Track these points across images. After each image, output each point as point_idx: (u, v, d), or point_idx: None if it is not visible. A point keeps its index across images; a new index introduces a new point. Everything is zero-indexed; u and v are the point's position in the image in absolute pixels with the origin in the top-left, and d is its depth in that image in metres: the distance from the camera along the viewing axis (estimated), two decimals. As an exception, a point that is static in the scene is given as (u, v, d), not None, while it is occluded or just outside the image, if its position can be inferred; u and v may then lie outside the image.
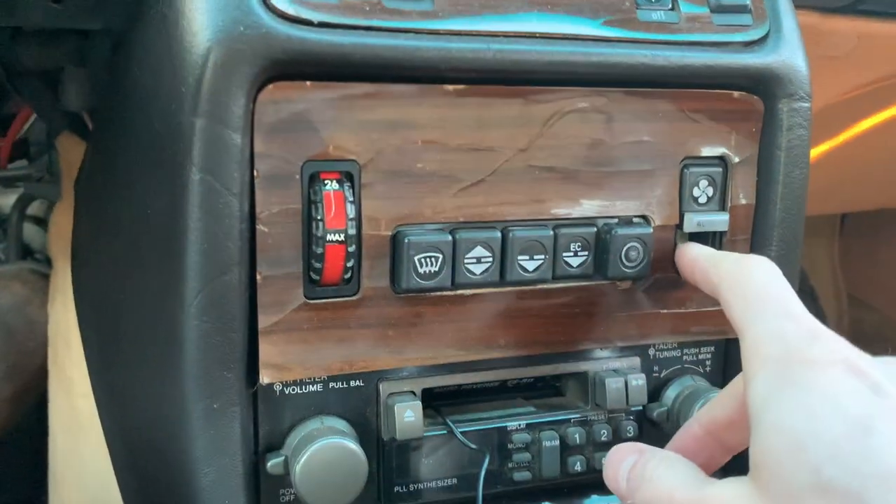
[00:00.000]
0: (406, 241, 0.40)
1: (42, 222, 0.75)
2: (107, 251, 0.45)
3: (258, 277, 0.38)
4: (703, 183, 0.46)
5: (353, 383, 0.42)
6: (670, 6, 0.44)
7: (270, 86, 0.37)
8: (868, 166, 0.93)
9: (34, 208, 0.74)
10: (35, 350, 0.73)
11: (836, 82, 0.66)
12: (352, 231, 0.39)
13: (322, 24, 0.37)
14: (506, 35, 0.40)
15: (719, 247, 0.47)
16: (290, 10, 0.36)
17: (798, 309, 0.35)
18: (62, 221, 0.57)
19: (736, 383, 0.38)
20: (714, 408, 0.39)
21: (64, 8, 0.42)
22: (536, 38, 0.41)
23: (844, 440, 0.28)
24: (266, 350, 0.39)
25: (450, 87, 0.40)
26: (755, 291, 0.36)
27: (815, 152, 0.78)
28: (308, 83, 0.37)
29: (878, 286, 1.34)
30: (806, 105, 0.47)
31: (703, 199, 0.46)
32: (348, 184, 0.39)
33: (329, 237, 0.39)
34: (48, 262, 0.73)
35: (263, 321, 0.39)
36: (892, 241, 1.24)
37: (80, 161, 0.51)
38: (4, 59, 0.51)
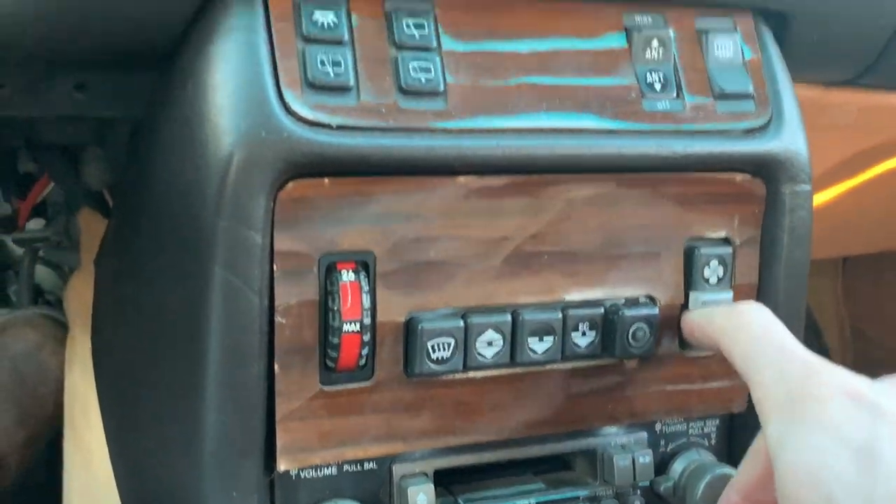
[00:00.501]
0: (419, 327, 0.41)
1: (53, 265, 0.77)
2: (127, 333, 0.47)
3: (276, 368, 0.39)
4: (714, 263, 0.47)
5: (366, 466, 0.43)
6: (675, 95, 0.46)
7: (290, 184, 0.38)
8: (868, 213, 0.94)
9: (45, 250, 0.75)
10: (47, 396, 0.73)
11: (838, 149, 0.67)
12: (367, 320, 0.40)
13: (340, 127, 0.38)
14: (516, 131, 0.41)
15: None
16: (310, 115, 0.37)
17: (794, 346, 0.37)
18: (81, 288, 0.58)
19: (758, 442, 0.40)
20: (745, 471, 0.40)
21: (86, 98, 0.43)
22: (545, 132, 0.42)
23: (851, 468, 0.30)
24: (284, 438, 0.40)
25: (462, 179, 0.42)
26: (752, 338, 0.39)
27: (817, 200, 0.79)
28: (326, 180, 0.39)
29: (883, 319, 1.34)
30: (807, 188, 0.48)
31: (713, 280, 0.47)
32: (364, 273, 0.41)
33: (345, 327, 0.40)
34: (60, 304, 0.74)
35: (281, 409, 0.40)
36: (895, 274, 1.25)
37: (99, 236, 0.53)
38: (27, 132, 0.53)
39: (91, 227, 0.56)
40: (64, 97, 0.43)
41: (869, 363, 1.32)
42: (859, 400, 0.32)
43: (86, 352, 0.56)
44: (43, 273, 0.78)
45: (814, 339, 1.42)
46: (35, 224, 0.70)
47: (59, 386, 0.70)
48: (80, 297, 0.58)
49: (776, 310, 0.49)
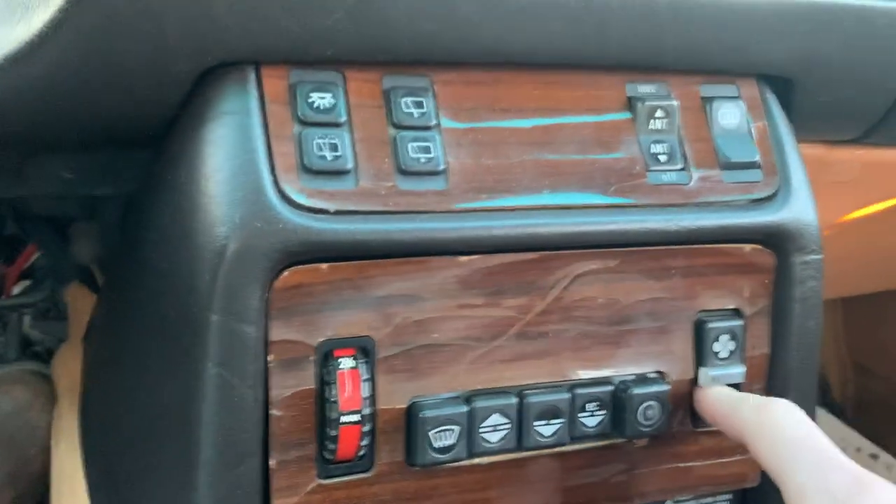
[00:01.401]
0: (421, 415, 0.40)
1: (43, 312, 0.75)
2: (117, 421, 0.45)
3: (272, 464, 0.38)
4: (725, 338, 0.46)
5: (368, 560, 0.41)
6: (681, 167, 0.44)
7: (286, 272, 0.37)
8: (868, 255, 0.94)
9: (32, 322, 0.73)
10: (35, 456, 0.71)
11: (841, 204, 0.67)
12: (367, 410, 0.39)
13: (339, 213, 0.37)
14: (518, 210, 0.40)
15: (736, 398, 0.47)
16: (308, 201, 0.36)
17: (836, 454, 0.35)
18: (69, 362, 0.56)
19: None
20: None
21: (75, 178, 0.42)
22: (548, 210, 0.41)
23: None
24: (280, 535, 0.38)
25: (464, 259, 0.40)
26: (787, 439, 0.36)
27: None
28: (325, 266, 0.37)
29: (884, 353, 1.33)
30: (818, 257, 0.47)
31: (724, 354, 0.46)
32: (363, 360, 0.39)
33: (343, 418, 0.38)
34: (50, 355, 0.72)
35: (277, 506, 0.38)
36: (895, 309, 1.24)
37: (88, 311, 0.51)
38: (14, 203, 0.51)
39: (80, 303, 0.54)
40: (51, 178, 0.42)
41: (871, 398, 1.31)
42: None
43: (73, 428, 0.54)
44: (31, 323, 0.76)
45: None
46: (22, 285, 0.69)
47: (47, 445, 0.68)
48: (68, 370, 0.57)
49: (788, 380, 0.48)
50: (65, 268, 0.55)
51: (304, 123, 0.37)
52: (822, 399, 1.38)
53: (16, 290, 0.68)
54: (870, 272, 1.03)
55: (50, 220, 0.53)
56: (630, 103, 0.44)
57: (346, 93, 0.38)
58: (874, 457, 1.21)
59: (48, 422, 0.68)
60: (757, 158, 0.46)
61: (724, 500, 0.50)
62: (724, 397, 0.43)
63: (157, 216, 0.39)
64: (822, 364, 1.40)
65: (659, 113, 0.44)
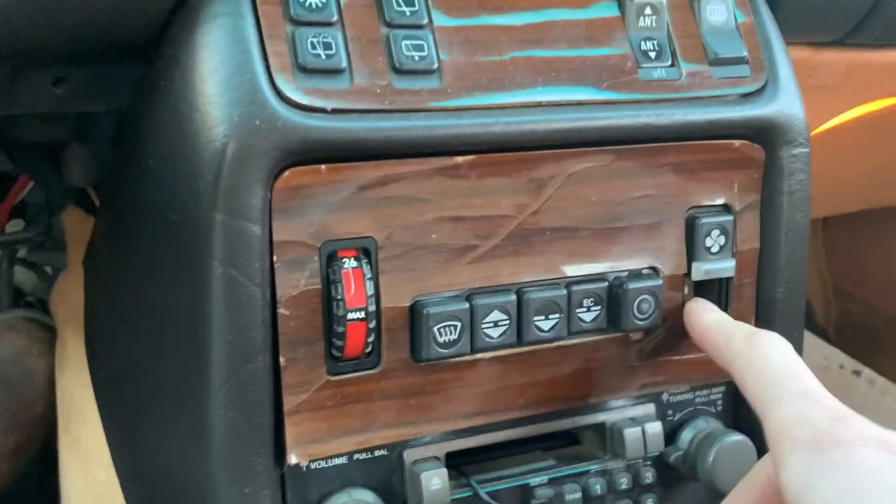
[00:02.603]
0: (425, 312, 0.41)
1: (34, 266, 0.75)
2: (126, 333, 0.45)
3: (282, 361, 0.39)
4: (716, 233, 0.47)
5: (377, 453, 0.42)
6: (670, 63, 0.45)
7: (286, 173, 0.37)
8: (849, 172, 0.95)
9: (24, 251, 0.73)
10: (35, 401, 0.72)
11: (827, 108, 0.67)
12: (371, 307, 0.39)
13: (336, 111, 0.37)
14: (513, 107, 0.41)
15: (726, 291, 0.48)
16: (304, 99, 0.36)
17: (818, 389, 0.35)
18: (68, 291, 0.57)
19: (755, 473, 0.39)
20: (737, 498, 0.39)
21: (66, 93, 0.42)
22: (542, 106, 0.41)
23: None
24: (293, 431, 0.39)
25: (460, 160, 0.41)
26: (772, 372, 0.37)
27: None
28: (323, 167, 0.38)
29: (864, 277, 1.36)
30: (805, 150, 0.48)
31: (715, 249, 0.47)
32: (366, 260, 0.40)
33: (350, 315, 0.39)
34: (42, 306, 0.73)
35: (289, 402, 0.39)
36: (875, 231, 1.26)
37: (86, 236, 0.51)
38: (2, 131, 0.51)
39: (77, 227, 0.54)
40: (42, 93, 0.41)
41: (852, 321, 1.34)
42: (891, 449, 0.31)
43: (78, 355, 0.55)
44: (23, 275, 0.76)
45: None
46: (15, 225, 0.68)
47: (47, 390, 0.69)
48: (67, 299, 0.57)
49: (777, 273, 0.50)
50: (59, 194, 0.55)
51: (297, 23, 0.37)
52: (805, 323, 1.41)
53: (9, 228, 0.68)
54: (850, 189, 1.05)
55: (40, 147, 0.52)
56: (619, 0, 0.44)
57: (336, -9, 0.38)
58: (857, 373, 1.25)
59: (47, 367, 0.69)
60: (745, 54, 0.46)
61: (717, 392, 0.52)
62: (716, 324, 0.44)
63: (155, 123, 0.39)
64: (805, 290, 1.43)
65: (648, 10, 0.44)
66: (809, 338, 1.32)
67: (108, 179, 0.48)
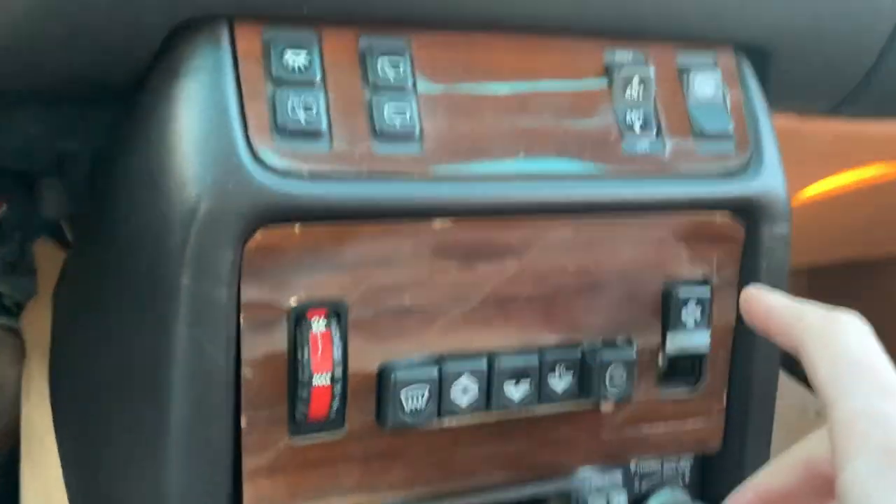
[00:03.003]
0: (392, 377, 0.40)
1: (10, 266, 0.74)
2: (88, 374, 0.45)
3: (243, 422, 0.38)
4: (692, 306, 0.46)
5: (338, 516, 0.42)
6: (655, 135, 0.45)
7: (259, 233, 0.36)
8: (834, 225, 0.95)
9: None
10: (4, 409, 0.71)
11: (815, 174, 0.68)
12: (338, 373, 0.39)
13: (312, 175, 0.36)
14: (493, 177, 0.40)
15: (700, 365, 0.48)
16: (281, 163, 0.36)
17: None
18: (38, 318, 0.56)
19: (794, 453, 0.36)
20: (772, 476, 0.37)
21: (42, 131, 0.41)
22: (523, 177, 0.41)
23: None
24: (251, 493, 0.39)
25: (437, 224, 0.40)
26: (848, 358, 0.33)
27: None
28: (297, 227, 0.37)
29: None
30: (786, 229, 0.48)
31: (691, 322, 0.47)
32: (336, 322, 0.39)
33: (315, 380, 0.38)
34: (19, 309, 0.72)
35: (248, 464, 0.38)
36: (863, 279, 1.27)
37: (57, 267, 0.50)
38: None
39: (47, 259, 0.53)
40: (16, 131, 0.41)
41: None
42: None
43: (43, 383, 0.54)
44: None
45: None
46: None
47: (15, 398, 0.68)
48: (37, 326, 0.56)
49: (753, 350, 0.50)
50: (33, 223, 0.54)
51: (278, 83, 0.36)
52: (789, 365, 1.41)
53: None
54: (836, 242, 1.05)
55: (17, 174, 0.51)
56: (607, 70, 0.44)
57: (321, 52, 0.38)
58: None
59: (17, 375, 0.68)
60: (730, 130, 0.46)
61: (685, 465, 0.51)
62: (784, 302, 0.39)
63: (127, 175, 0.39)
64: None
65: (635, 82, 0.44)
66: (788, 382, 1.32)
67: (81, 216, 0.47)
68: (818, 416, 1.24)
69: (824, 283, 1.34)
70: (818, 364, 0.34)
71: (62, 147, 0.43)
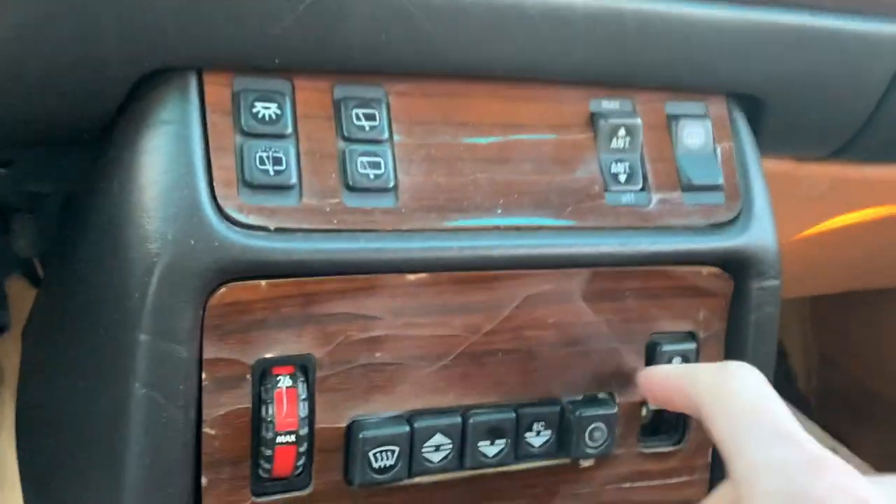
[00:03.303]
0: (360, 436, 0.39)
1: None
2: (50, 425, 0.44)
3: (203, 482, 0.37)
4: (677, 360, 0.45)
5: (303, 578, 0.40)
6: (641, 187, 0.43)
7: (223, 289, 0.35)
8: (836, 258, 0.94)
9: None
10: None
11: (810, 218, 0.66)
12: (304, 430, 0.38)
13: (279, 230, 0.35)
14: (469, 230, 0.39)
15: (684, 420, 0.47)
16: (247, 218, 0.35)
17: (794, 429, 0.32)
18: (10, 352, 0.55)
19: (722, 495, 0.36)
20: None
21: (12, 174, 0.40)
22: (500, 231, 0.40)
23: None
24: (211, 554, 0.37)
25: (411, 277, 0.39)
26: (742, 409, 0.33)
27: (788, 245, 0.78)
28: (263, 283, 0.36)
29: (850, 348, 1.34)
30: (776, 283, 0.46)
31: None
32: (303, 378, 0.38)
33: (279, 439, 0.37)
34: None
35: (209, 525, 0.37)
36: (865, 305, 1.25)
37: (28, 304, 0.49)
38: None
39: (20, 295, 0.52)
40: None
41: (835, 390, 1.32)
42: None
43: (11, 421, 0.53)
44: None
45: (780, 362, 1.43)
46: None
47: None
48: (9, 360, 0.55)
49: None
50: (5, 259, 0.53)
51: (247, 135, 0.35)
52: (787, 390, 1.39)
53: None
54: (835, 277, 1.03)
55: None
56: (593, 119, 0.43)
57: (293, 102, 0.37)
58: (833, 451, 1.23)
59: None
60: (720, 181, 0.45)
61: (669, 520, 0.50)
62: (678, 369, 0.40)
63: (91, 225, 0.37)
64: (789, 354, 1.42)
65: (621, 132, 0.43)
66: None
67: (52, 256, 0.46)
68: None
69: (826, 307, 1.32)
70: (714, 420, 0.34)
71: (31, 189, 0.42)
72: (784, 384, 1.50)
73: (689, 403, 0.37)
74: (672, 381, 0.39)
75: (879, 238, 0.82)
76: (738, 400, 0.34)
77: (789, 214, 0.52)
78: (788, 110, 0.48)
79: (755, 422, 0.33)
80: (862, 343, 1.30)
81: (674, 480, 0.47)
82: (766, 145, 0.50)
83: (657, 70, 0.43)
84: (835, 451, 1.27)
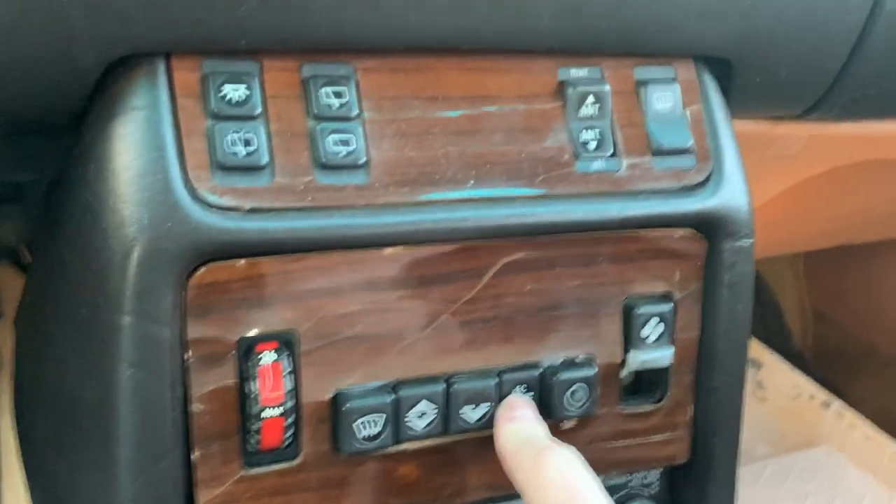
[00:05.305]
0: (346, 406, 0.40)
1: None
2: (45, 409, 0.45)
3: (194, 456, 0.38)
4: (654, 321, 0.46)
5: (295, 546, 0.42)
6: (611, 153, 0.44)
7: (202, 269, 0.36)
8: (815, 218, 0.94)
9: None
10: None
11: (788, 177, 0.67)
12: (290, 403, 0.39)
13: (253, 210, 0.36)
14: (443, 203, 0.40)
15: (665, 379, 0.48)
16: (220, 200, 0.35)
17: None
18: (6, 338, 0.56)
19: None
20: None
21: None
22: (474, 202, 0.40)
23: None
24: (205, 526, 0.39)
25: (388, 251, 0.40)
26: (552, 490, 0.37)
27: (771, 202, 0.78)
28: (242, 262, 0.37)
29: (844, 303, 1.36)
30: (749, 242, 0.47)
31: (653, 338, 0.46)
32: (287, 353, 0.39)
33: (265, 413, 0.38)
34: None
35: (202, 497, 0.38)
36: (859, 259, 1.26)
37: (18, 292, 0.50)
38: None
39: (9, 283, 0.53)
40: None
41: (829, 345, 1.34)
42: None
43: (9, 405, 0.54)
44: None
45: (775, 320, 1.44)
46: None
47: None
48: (7, 347, 0.56)
49: (716, 362, 0.49)
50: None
51: (217, 117, 0.36)
52: (782, 346, 1.40)
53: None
54: (826, 230, 1.04)
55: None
56: (562, 88, 0.43)
57: (262, 83, 0.37)
58: (827, 404, 1.25)
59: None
60: (690, 144, 0.45)
61: (653, 476, 0.51)
62: (513, 438, 0.41)
63: (70, 211, 0.38)
64: (784, 311, 1.43)
65: (590, 99, 0.43)
66: (782, 365, 1.32)
67: (38, 243, 0.47)
68: (812, 398, 1.24)
69: (819, 263, 1.33)
70: (523, 493, 0.37)
71: (14, 179, 0.43)
72: (780, 341, 1.51)
73: (512, 478, 0.40)
74: (505, 455, 0.41)
75: (865, 190, 0.83)
76: (549, 489, 0.37)
77: (764, 174, 0.53)
78: (757, 70, 0.49)
79: (565, 501, 0.36)
80: (856, 298, 1.31)
81: (656, 438, 0.49)
82: (737, 107, 0.50)
83: (624, 35, 0.43)
84: (828, 404, 1.28)
